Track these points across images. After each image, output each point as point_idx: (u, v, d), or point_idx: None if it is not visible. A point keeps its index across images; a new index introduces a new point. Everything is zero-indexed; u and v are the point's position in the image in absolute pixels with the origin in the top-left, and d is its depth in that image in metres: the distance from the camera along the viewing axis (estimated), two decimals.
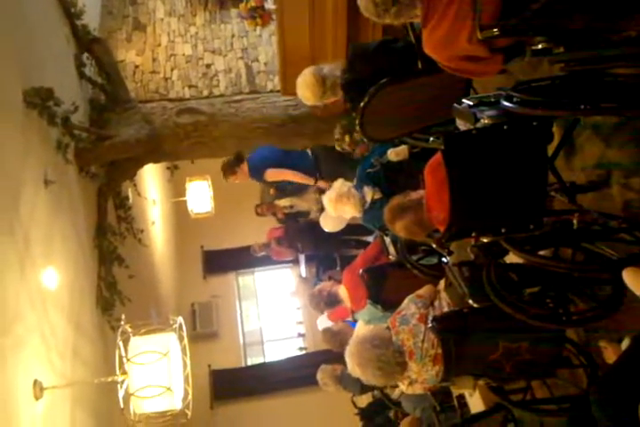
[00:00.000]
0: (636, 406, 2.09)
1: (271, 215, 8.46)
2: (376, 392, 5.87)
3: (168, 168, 6.99)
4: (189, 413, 3.39)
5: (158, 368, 3.07)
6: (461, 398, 3.88)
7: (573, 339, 3.30)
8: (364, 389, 5.27)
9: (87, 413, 4.06)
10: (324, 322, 6.27)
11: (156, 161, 5.80)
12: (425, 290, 3.21)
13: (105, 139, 4.83)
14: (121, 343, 3.14)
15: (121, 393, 3.18)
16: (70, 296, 4.08)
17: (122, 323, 3.29)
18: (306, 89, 3.51)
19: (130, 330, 3.23)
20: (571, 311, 2.86)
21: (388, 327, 3.12)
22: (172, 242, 9.32)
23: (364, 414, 5.90)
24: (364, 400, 6.35)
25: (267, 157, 5.91)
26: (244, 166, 5.92)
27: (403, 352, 2.91)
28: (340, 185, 4.18)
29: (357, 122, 3.30)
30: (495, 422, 3.48)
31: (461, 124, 2.72)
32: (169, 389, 3.11)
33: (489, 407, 3.49)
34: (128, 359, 3.11)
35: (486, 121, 2.48)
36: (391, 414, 5.69)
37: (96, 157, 4.75)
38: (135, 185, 6.06)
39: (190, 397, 3.42)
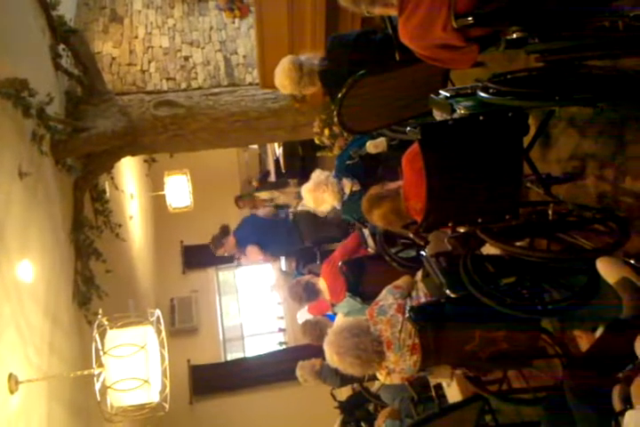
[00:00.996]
0: (609, 393, 2.11)
1: (251, 208, 8.46)
2: (355, 386, 5.89)
3: (146, 161, 6.94)
4: (167, 406, 3.38)
5: (135, 361, 3.05)
6: (439, 388, 3.90)
7: (548, 329, 3.33)
8: (343, 382, 5.29)
9: (63, 406, 4.02)
10: (303, 316, 6.28)
11: (133, 154, 5.76)
12: (402, 281, 3.22)
13: (81, 131, 4.78)
14: (97, 336, 3.12)
15: (97, 386, 3.16)
16: (46, 290, 4.05)
17: (99, 316, 3.27)
18: (283, 76, 3.50)
19: (107, 323, 3.20)
20: (546, 301, 2.88)
21: (366, 318, 3.13)
22: (150, 237, 9.27)
23: (344, 407, 5.91)
24: (344, 394, 6.37)
25: (251, 234, 6.03)
26: (231, 239, 6.06)
27: (381, 342, 2.92)
28: (317, 174, 4.18)
29: (335, 113, 3.30)
30: (472, 412, 3.50)
31: (438, 115, 2.73)
32: (146, 382, 3.09)
33: (466, 397, 3.51)
34: (105, 352, 3.08)
35: (463, 111, 2.48)
36: (370, 407, 5.72)
37: (72, 149, 4.70)
38: (112, 178, 6.01)
39: (168, 390, 3.41)
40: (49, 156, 4.48)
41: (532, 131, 2.70)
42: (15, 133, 3.94)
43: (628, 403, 2.01)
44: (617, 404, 2.03)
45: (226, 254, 6.31)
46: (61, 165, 4.70)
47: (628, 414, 1.11)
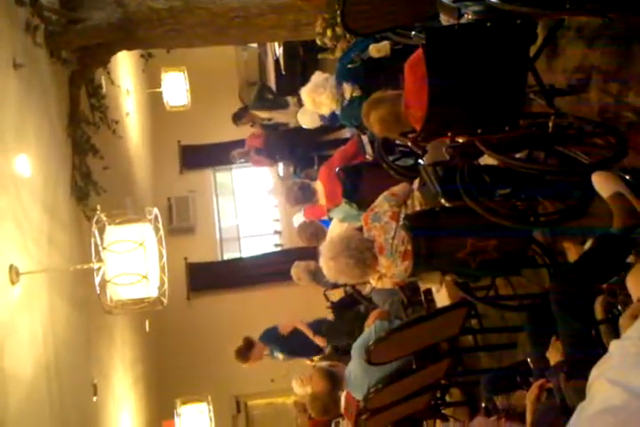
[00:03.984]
0: (592, 304, 2.19)
1: (251, 126, 8.39)
2: (348, 288, 6.06)
3: (142, 56, 6.75)
4: (165, 300, 3.49)
5: (134, 257, 3.13)
6: (428, 293, 4.02)
7: (539, 240, 3.40)
8: (336, 283, 5.44)
9: (64, 299, 4.16)
10: (299, 220, 6.37)
11: (128, 48, 5.60)
12: (399, 188, 3.24)
13: (76, 22, 4.63)
14: (96, 231, 3.17)
15: (97, 280, 3.25)
16: (44, 184, 4.07)
17: (97, 212, 3.31)
18: None
19: (105, 219, 3.25)
20: (539, 213, 2.92)
21: (359, 227, 3.19)
22: (147, 135, 9.20)
23: (336, 307, 6.10)
24: (337, 295, 6.57)
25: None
26: (258, 349, 5.64)
27: (373, 245, 2.99)
28: (317, 76, 4.10)
29: (339, 12, 3.19)
30: (459, 316, 3.63)
31: (445, 20, 2.65)
32: (145, 277, 3.18)
33: (454, 302, 3.63)
34: (104, 247, 3.15)
35: (470, 17, 2.41)
36: (362, 308, 5.90)
37: (67, 40, 4.57)
38: (109, 73, 5.88)
39: (166, 286, 3.51)
40: (43, 47, 4.37)
41: (540, 40, 2.63)
42: (8, 22, 3.82)
43: (609, 312, 2.09)
44: (599, 312, 2.11)
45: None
46: (56, 57, 4.59)
47: (613, 344, 1.15)
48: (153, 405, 7.14)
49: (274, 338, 5.57)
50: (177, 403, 6.31)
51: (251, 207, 10.31)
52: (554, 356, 2.22)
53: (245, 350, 5.51)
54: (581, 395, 1.09)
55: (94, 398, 4.67)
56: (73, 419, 4.22)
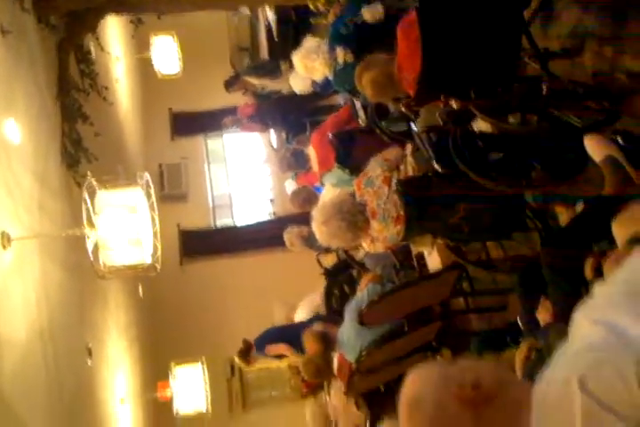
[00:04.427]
0: (582, 266, 2.21)
1: (243, 93, 8.31)
2: (341, 253, 6.08)
3: (131, 22, 6.64)
4: (159, 266, 3.50)
5: (126, 223, 3.13)
6: (420, 257, 4.05)
7: (531, 205, 3.41)
8: (329, 248, 5.47)
9: (57, 264, 4.17)
10: (291, 186, 6.37)
11: (117, 12, 5.50)
12: (392, 153, 3.24)
13: None
14: (87, 197, 3.16)
15: (90, 246, 3.25)
16: (34, 152, 4.04)
17: (88, 177, 3.30)
18: None
19: (96, 184, 3.23)
20: (532, 177, 2.93)
21: (353, 191, 3.20)
22: (138, 101, 9.11)
23: (329, 273, 6.14)
24: (330, 261, 6.60)
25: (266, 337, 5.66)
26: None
27: (365, 209, 3.00)
28: (309, 41, 4.06)
29: None
30: (450, 279, 3.67)
31: None
32: (138, 243, 3.18)
33: (446, 266, 3.66)
34: (95, 213, 3.14)
35: None
36: (354, 273, 5.95)
37: (55, 5, 4.49)
38: (97, 39, 5.79)
39: (160, 252, 3.51)
40: (31, 13, 4.28)
41: (535, 4, 2.61)
42: None
43: (599, 273, 2.12)
44: (588, 273, 2.13)
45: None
46: (44, 23, 4.51)
47: (597, 287, 1.17)
48: (148, 368, 7.22)
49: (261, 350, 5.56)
50: (171, 365, 6.38)
51: (243, 175, 10.27)
52: (543, 316, 2.26)
53: (246, 353, 5.57)
54: (563, 336, 1.11)
55: (89, 362, 4.71)
56: (68, 382, 4.27)
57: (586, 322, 1.09)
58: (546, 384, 1.05)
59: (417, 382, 1.09)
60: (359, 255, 5.35)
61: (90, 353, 4.73)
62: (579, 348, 1.06)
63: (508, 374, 1.13)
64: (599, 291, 1.14)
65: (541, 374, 1.07)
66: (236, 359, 5.63)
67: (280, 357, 5.54)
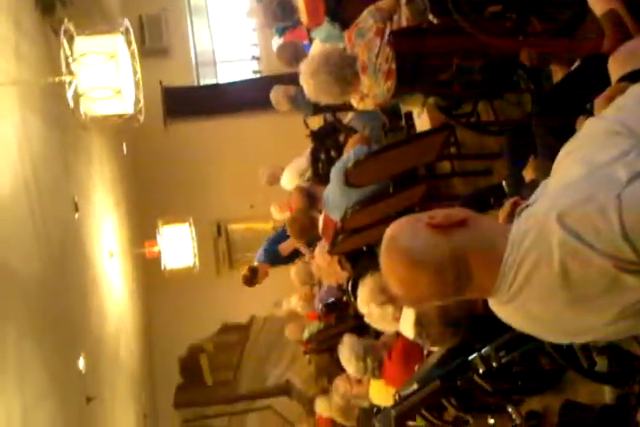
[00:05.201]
0: (574, 121, 2.17)
1: None
2: (328, 115, 5.99)
3: None
4: (141, 118, 3.42)
5: (106, 70, 3.00)
6: (409, 118, 3.98)
7: (525, 63, 3.30)
8: (316, 109, 5.37)
9: (37, 115, 4.07)
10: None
11: None
12: (385, 3, 3.06)
13: None
14: (65, 42, 3.00)
15: (70, 94, 3.14)
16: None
17: (65, 22, 3.11)
18: None
19: (73, 30, 3.06)
20: (528, 32, 2.81)
21: (344, 47, 3.07)
22: None
23: (316, 135, 6.08)
24: (317, 123, 6.51)
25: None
26: (262, 271, 5.61)
27: (355, 61, 2.89)
28: None
29: None
30: (438, 141, 3.63)
31: None
32: (119, 92, 3.08)
33: (435, 127, 3.61)
34: (74, 59, 3.00)
35: None
36: (341, 137, 5.89)
37: None
38: None
39: (142, 104, 3.42)
40: None
41: None
42: None
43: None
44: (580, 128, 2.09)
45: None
46: None
47: (586, 123, 1.15)
48: (135, 225, 7.35)
49: (276, 258, 5.69)
50: (159, 223, 6.47)
51: (227, 30, 9.82)
52: (530, 173, 2.25)
53: (252, 277, 5.66)
54: (547, 172, 1.12)
55: (76, 215, 4.76)
56: (55, 235, 4.34)
57: (570, 161, 1.09)
58: (525, 219, 1.08)
59: (394, 225, 1.20)
60: (347, 118, 5.27)
61: (76, 207, 4.77)
62: (562, 185, 1.07)
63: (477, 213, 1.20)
64: (586, 127, 1.14)
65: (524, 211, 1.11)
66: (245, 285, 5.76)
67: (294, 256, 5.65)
